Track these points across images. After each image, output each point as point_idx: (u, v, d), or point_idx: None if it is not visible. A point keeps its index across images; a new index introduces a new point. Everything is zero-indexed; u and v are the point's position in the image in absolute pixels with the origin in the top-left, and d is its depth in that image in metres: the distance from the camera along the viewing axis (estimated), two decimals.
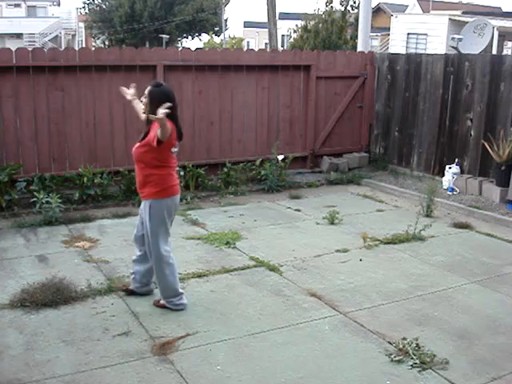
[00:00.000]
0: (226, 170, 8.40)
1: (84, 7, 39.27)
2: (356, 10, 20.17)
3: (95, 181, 7.44)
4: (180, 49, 8.67)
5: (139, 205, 4.62)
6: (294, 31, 22.03)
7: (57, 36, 43.64)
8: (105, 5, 38.72)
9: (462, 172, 8.52)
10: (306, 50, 11.66)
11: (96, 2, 38.91)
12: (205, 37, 44.27)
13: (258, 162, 8.70)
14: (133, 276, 4.70)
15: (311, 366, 3.74)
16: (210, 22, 38.99)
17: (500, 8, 34.46)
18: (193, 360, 3.78)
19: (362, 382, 3.58)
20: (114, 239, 6.11)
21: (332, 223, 6.86)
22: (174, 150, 4.32)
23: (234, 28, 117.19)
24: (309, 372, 3.67)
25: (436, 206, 7.37)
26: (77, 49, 7.90)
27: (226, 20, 39.66)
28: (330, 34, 19.62)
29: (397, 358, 3.82)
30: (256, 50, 9.56)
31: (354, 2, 20.70)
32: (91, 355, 3.82)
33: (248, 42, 46.49)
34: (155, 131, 4.09)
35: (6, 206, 7.01)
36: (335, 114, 9.76)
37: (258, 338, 4.08)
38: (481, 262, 5.71)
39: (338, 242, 6.21)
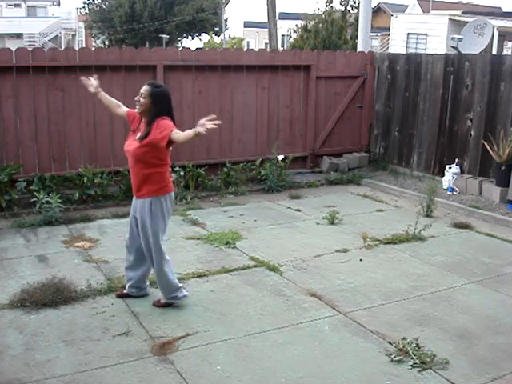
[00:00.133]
0: (226, 170, 8.40)
1: (84, 7, 39.28)
2: (356, 10, 20.15)
3: (95, 181, 7.44)
4: (180, 49, 8.68)
5: None
6: (294, 31, 22.02)
7: (57, 36, 43.63)
8: (105, 5, 38.71)
9: (462, 172, 8.52)
10: (306, 50, 11.66)
11: (96, 1, 38.90)
12: (205, 37, 44.31)
13: (257, 162, 8.70)
14: (129, 283, 4.67)
15: (311, 366, 3.74)
16: (210, 21, 38.98)
17: (500, 8, 34.46)
18: (193, 360, 3.78)
19: (361, 382, 3.58)
20: (114, 239, 6.11)
21: (332, 223, 6.86)
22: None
23: (233, 28, 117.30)
24: (309, 372, 3.67)
25: (436, 206, 7.37)
26: (77, 49, 7.90)
27: (226, 20, 39.65)
28: (330, 33, 19.60)
29: (397, 358, 3.82)
30: (256, 50, 9.57)
31: (354, 2, 20.68)
32: (91, 355, 3.82)
33: (248, 42, 46.49)
34: (164, 132, 4.13)
35: (5, 206, 7.01)
36: (335, 114, 9.76)
37: (258, 338, 4.08)
38: (481, 262, 5.71)
39: (338, 242, 6.21)
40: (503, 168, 7.58)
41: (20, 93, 7.40)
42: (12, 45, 10.30)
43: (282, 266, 5.47)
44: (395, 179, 9.14)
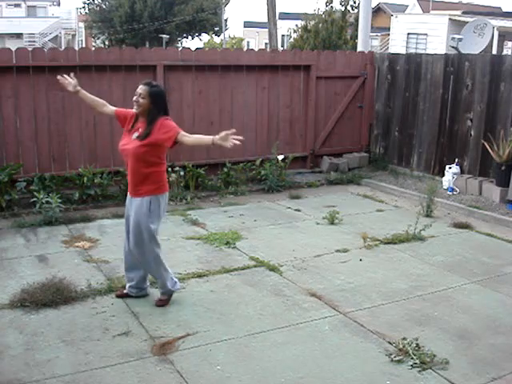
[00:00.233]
0: (226, 170, 8.40)
1: (84, 7, 39.26)
2: (356, 10, 20.13)
3: (95, 181, 7.44)
4: (180, 49, 8.68)
5: None
6: (294, 31, 22.00)
7: (57, 36, 43.62)
8: (105, 5, 38.69)
9: (462, 172, 8.52)
10: (306, 50, 11.66)
11: (96, 1, 38.89)
12: (205, 37, 44.28)
13: (258, 162, 8.70)
14: (130, 284, 4.66)
15: (311, 366, 3.74)
16: (210, 21, 38.97)
17: (500, 8, 34.45)
18: (193, 360, 3.78)
19: (361, 382, 3.58)
20: (114, 239, 6.10)
21: (332, 223, 6.86)
22: None
23: (233, 28, 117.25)
24: (309, 372, 3.67)
25: (436, 206, 7.37)
26: (77, 49, 7.90)
27: (226, 20, 39.65)
28: (330, 33, 19.59)
29: (397, 358, 3.82)
30: (256, 50, 9.57)
31: (354, 2, 20.65)
32: (91, 355, 3.82)
33: (248, 42, 46.48)
34: (170, 133, 4.22)
35: (5, 206, 7.01)
36: (335, 114, 9.76)
37: (258, 338, 4.08)
38: (481, 262, 5.71)
39: (338, 242, 6.21)
40: (503, 168, 7.58)
41: (20, 93, 7.41)
42: (12, 45, 10.30)
43: (281, 266, 5.47)
44: (395, 179, 9.14)
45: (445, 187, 8.42)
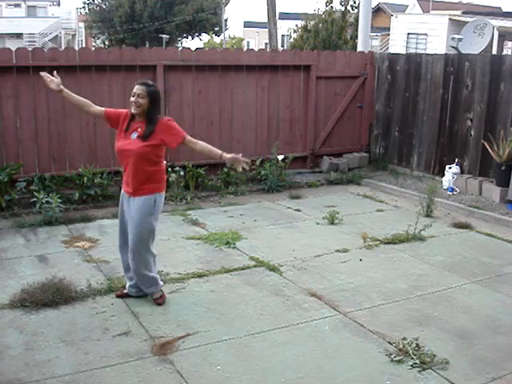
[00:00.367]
0: (225, 169, 8.40)
1: (84, 7, 39.25)
2: (356, 10, 20.15)
3: (95, 181, 7.44)
4: (180, 49, 8.68)
5: None
6: (294, 31, 22.01)
7: (57, 36, 43.63)
8: (105, 5, 38.68)
9: (462, 172, 8.52)
10: (306, 50, 11.65)
11: (96, 1, 38.88)
12: (205, 37, 44.27)
13: (258, 162, 8.69)
14: (130, 283, 4.66)
15: (311, 366, 3.74)
16: (210, 21, 38.96)
17: (500, 8, 34.45)
18: (193, 360, 3.78)
19: (361, 382, 3.58)
20: (114, 239, 6.03)
21: (332, 223, 6.86)
22: None
23: (234, 28, 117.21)
24: (309, 372, 3.67)
25: (436, 206, 7.37)
26: (77, 49, 7.90)
27: (226, 20, 39.65)
28: (330, 33, 19.60)
29: (397, 358, 3.82)
30: (256, 49, 9.57)
31: (354, 2, 20.67)
32: (91, 355, 3.82)
33: (248, 42, 46.48)
34: (177, 135, 4.34)
35: (5, 206, 7.01)
36: (335, 114, 9.76)
37: (258, 338, 4.08)
38: (481, 262, 5.71)
39: (338, 242, 6.21)
40: (503, 168, 7.58)
41: (20, 93, 7.40)
42: (12, 45, 10.30)
43: (282, 266, 5.47)
44: (395, 179, 9.14)
45: (445, 187, 8.42)
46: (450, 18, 21.71)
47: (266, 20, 21.42)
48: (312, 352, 3.92)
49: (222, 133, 8.81)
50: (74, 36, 45.21)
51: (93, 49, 8.19)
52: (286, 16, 34.52)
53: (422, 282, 5.17)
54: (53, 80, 4.45)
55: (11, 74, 7.31)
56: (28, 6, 45.05)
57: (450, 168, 8.48)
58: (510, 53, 23.03)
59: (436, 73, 8.98)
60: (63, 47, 26.45)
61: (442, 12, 23.72)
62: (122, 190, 4.54)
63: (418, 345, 3.96)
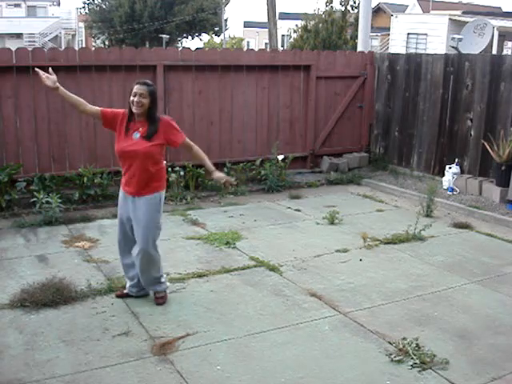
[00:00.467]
0: (226, 170, 8.39)
1: (84, 7, 39.26)
2: (356, 10, 20.15)
3: (95, 181, 7.44)
4: (180, 49, 8.68)
5: None
6: (294, 31, 22.02)
7: (57, 36, 43.62)
8: (105, 5, 38.68)
9: (462, 172, 8.53)
10: (306, 50, 11.67)
11: (96, 1, 38.89)
12: (205, 37, 44.28)
13: (258, 162, 8.70)
14: (131, 283, 4.65)
15: (311, 366, 3.74)
16: (210, 21, 38.96)
17: (500, 8, 34.45)
18: (193, 360, 3.78)
19: (361, 382, 3.58)
20: (114, 239, 6.00)
21: (332, 223, 6.86)
22: None
23: (234, 28, 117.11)
24: (309, 372, 3.67)
25: (436, 206, 7.37)
26: (77, 49, 7.90)
27: (226, 20, 39.64)
28: (330, 33, 19.61)
29: (397, 358, 3.82)
30: (256, 49, 9.57)
31: (354, 2, 20.68)
32: (91, 355, 3.82)
33: (248, 42, 46.48)
34: (179, 136, 4.46)
35: (5, 206, 7.01)
36: (335, 114, 9.76)
37: (257, 338, 4.08)
38: (481, 262, 5.71)
39: (338, 242, 6.21)
40: (503, 168, 7.57)
41: (20, 93, 7.41)
42: (12, 45, 10.30)
43: (282, 266, 5.47)
44: (395, 179, 9.14)
45: (445, 187, 8.42)
46: (450, 18, 21.71)
47: (266, 20, 21.42)
48: (312, 352, 3.92)
49: (222, 133, 8.82)
50: (73, 36, 45.21)
51: (93, 49, 8.19)
52: (285, 16, 34.53)
53: (422, 282, 5.17)
54: (48, 77, 4.41)
55: (11, 74, 7.31)
56: (28, 6, 45.05)
57: (450, 168, 8.48)
58: (510, 53, 23.03)
59: (436, 73, 8.98)
60: (63, 47, 26.44)
61: (442, 12, 23.72)
62: (122, 191, 4.50)
63: (418, 345, 3.96)
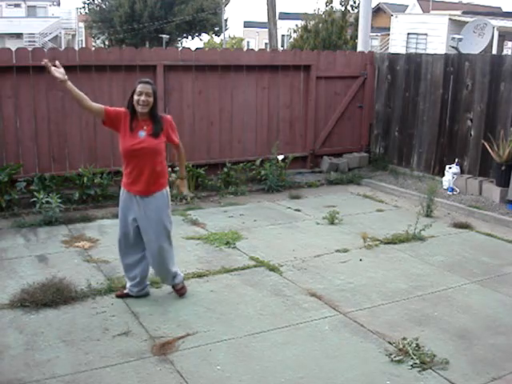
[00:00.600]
0: (226, 170, 8.40)
1: (84, 7, 39.23)
2: (356, 10, 20.13)
3: (95, 181, 7.44)
4: (180, 49, 8.67)
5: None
6: (294, 31, 22.00)
7: (57, 36, 43.62)
8: (105, 5, 38.68)
9: (462, 172, 8.53)
10: (306, 50, 11.66)
11: (96, 1, 38.88)
12: (205, 37, 44.27)
13: (257, 162, 8.70)
14: (134, 282, 4.64)
15: (311, 366, 3.74)
16: (210, 21, 38.95)
17: (500, 8, 34.46)
18: (193, 360, 3.78)
19: (361, 382, 3.58)
20: (114, 239, 6.01)
21: (332, 223, 6.86)
22: None
23: (234, 28, 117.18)
24: (309, 372, 3.67)
25: (436, 206, 7.37)
26: (77, 49, 7.90)
27: (226, 20, 39.62)
28: (330, 33, 19.60)
29: (397, 358, 3.82)
30: (256, 50, 9.57)
31: (354, 2, 20.66)
32: (91, 355, 3.82)
33: (248, 42, 46.48)
34: (176, 133, 4.58)
35: (5, 206, 7.01)
36: (335, 114, 9.76)
37: (258, 338, 4.08)
38: (481, 262, 5.71)
39: (338, 242, 6.21)
40: (503, 168, 7.57)
41: (20, 93, 7.40)
42: (12, 45, 10.30)
43: (282, 266, 5.47)
44: (395, 179, 9.14)
45: (445, 187, 8.42)
46: (450, 18, 21.70)
47: (266, 20, 21.41)
48: (312, 352, 3.92)
49: (222, 133, 8.82)
50: (74, 36, 45.21)
51: (93, 49, 8.19)
52: (285, 16, 34.52)
53: (422, 282, 5.17)
54: (57, 69, 4.37)
55: (11, 74, 7.31)
56: (28, 6, 45.04)
57: (450, 168, 8.48)
58: (510, 53, 23.03)
59: (436, 73, 8.98)
60: (63, 47, 26.45)
61: (442, 12, 23.71)
62: (125, 192, 4.47)
63: (418, 345, 3.96)
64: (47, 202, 6.66)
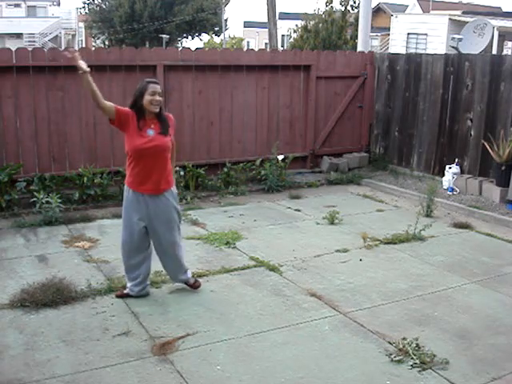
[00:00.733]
0: (226, 170, 8.40)
1: (84, 7, 39.24)
2: (356, 10, 20.13)
3: (95, 181, 7.44)
4: (180, 49, 8.67)
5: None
6: (294, 31, 22.01)
7: (57, 36, 43.62)
8: (105, 5, 38.67)
9: (462, 172, 8.53)
10: (306, 50, 11.65)
11: (96, 1, 38.88)
12: (205, 37, 44.27)
13: (257, 162, 8.70)
14: (135, 281, 4.64)
15: (311, 366, 3.74)
16: (210, 21, 38.95)
17: (500, 8, 34.46)
18: (193, 360, 3.78)
19: (361, 382, 3.58)
20: (114, 239, 6.08)
21: (332, 223, 6.86)
22: None
23: (234, 28, 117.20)
24: (309, 372, 3.67)
25: (436, 206, 7.37)
26: (77, 49, 7.89)
27: (226, 20, 39.62)
28: (330, 33, 19.60)
29: (397, 358, 3.82)
30: (256, 49, 9.56)
31: (354, 2, 20.66)
32: (91, 355, 3.82)
33: (248, 42, 46.48)
34: (173, 132, 4.59)
35: (5, 206, 7.01)
36: (335, 114, 9.76)
37: (258, 338, 4.08)
38: (481, 262, 5.71)
39: (338, 241, 6.21)
40: (503, 168, 7.58)
41: (20, 93, 7.40)
42: (12, 45, 10.30)
43: (282, 266, 5.47)
44: (395, 179, 9.14)
45: (445, 187, 8.42)
46: (450, 18, 21.70)
47: (266, 20, 21.41)
48: (312, 352, 3.92)
49: (222, 133, 8.82)
50: (73, 36, 45.21)
51: (93, 49, 8.19)
52: (285, 16, 34.51)
53: (422, 282, 5.17)
54: (81, 61, 4.30)
55: (11, 74, 7.31)
56: (28, 6, 45.05)
57: (450, 168, 8.48)
58: (510, 53, 23.03)
59: (436, 73, 8.98)
60: (63, 47, 26.45)
61: (442, 12, 23.72)
62: (132, 192, 4.45)
63: (418, 345, 3.96)
64: (47, 202, 6.66)
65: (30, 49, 7.61)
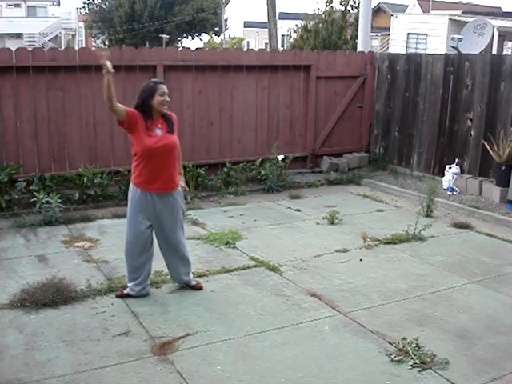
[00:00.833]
0: (226, 170, 8.40)
1: (84, 7, 39.22)
2: (356, 10, 20.11)
3: (95, 181, 7.44)
4: (180, 49, 8.67)
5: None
6: (294, 31, 21.99)
7: (57, 36, 43.63)
8: (105, 5, 38.66)
9: (462, 172, 8.52)
10: (306, 50, 11.65)
11: (96, 1, 38.88)
12: (205, 37, 44.25)
13: (257, 162, 8.70)
14: (136, 281, 4.64)
15: (311, 366, 3.74)
16: (210, 21, 38.94)
17: (500, 8, 34.45)
18: (193, 360, 3.78)
19: (361, 382, 3.58)
20: (114, 239, 6.11)
21: (332, 223, 6.86)
22: None
23: (234, 28, 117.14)
24: (309, 372, 3.67)
25: (436, 206, 7.37)
26: (77, 49, 7.90)
27: (226, 20, 39.62)
28: (330, 33, 19.59)
29: (397, 358, 3.82)
30: (256, 49, 9.57)
31: (354, 2, 20.65)
32: (91, 355, 3.82)
33: (248, 42, 46.47)
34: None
35: (5, 206, 7.01)
36: (335, 114, 9.76)
37: (258, 338, 4.08)
38: (481, 262, 5.71)
39: (338, 241, 6.21)
40: (503, 168, 7.58)
41: (20, 93, 7.40)
42: (12, 45, 10.30)
43: (282, 266, 5.47)
44: (395, 179, 9.14)
45: (445, 187, 8.42)
46: (450, 18, 21.70)
47: (266, 20, 21.40)
48: (312, 352, 3.92)
49: (222, 133, 8.82)
50: (73, 36, 45.21)
51: (93, 49, 8.18)
52: (285, 16, 34.50)
53: (422, 282, 5.17)
54: (108, 61, 4.37)
55: (11, 74, 7.31)
56: (28, 6, 45.04)
57: (450, 168, 8.48)
58: (510, 53, 23.03)
59: (436, 73, 8.98)
60: (63, 47, 26.45)
61: (442, 12, 23.71)
62: (140, 191, 4.46)
63: (418, 345, 3.96)
64: (47, 202, 6.66)
65: (29, 49, 7.61)
